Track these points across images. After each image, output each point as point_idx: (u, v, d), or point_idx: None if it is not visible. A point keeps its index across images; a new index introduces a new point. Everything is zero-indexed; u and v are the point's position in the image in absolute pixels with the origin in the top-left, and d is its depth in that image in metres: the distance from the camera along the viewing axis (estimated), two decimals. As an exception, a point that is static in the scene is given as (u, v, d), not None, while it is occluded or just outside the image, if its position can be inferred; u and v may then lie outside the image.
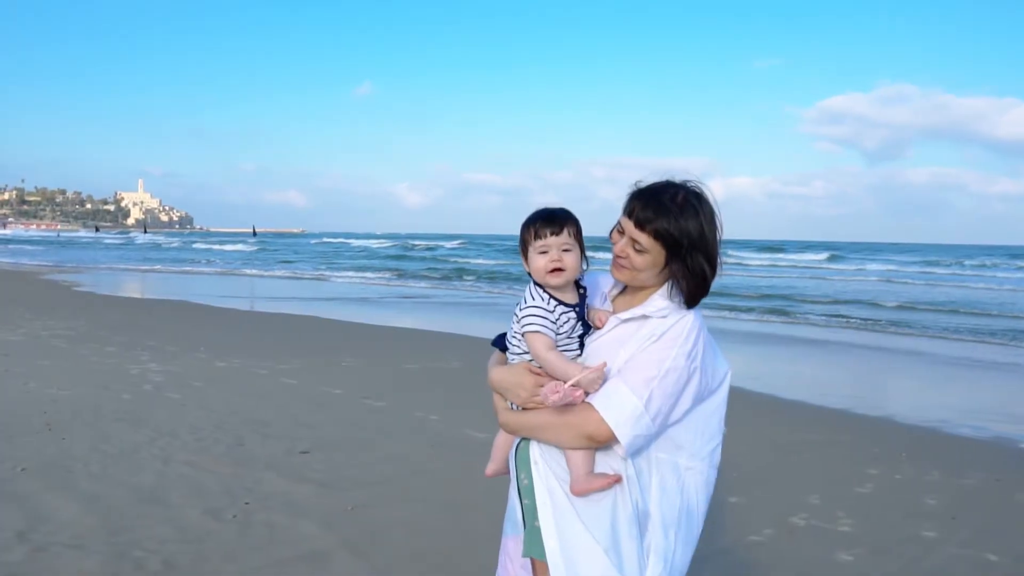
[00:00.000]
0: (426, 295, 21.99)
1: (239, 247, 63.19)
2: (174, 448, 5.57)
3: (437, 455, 5.64)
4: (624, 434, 1.82)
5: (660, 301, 1.93)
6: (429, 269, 34.86)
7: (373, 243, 68.92)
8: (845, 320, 16.50)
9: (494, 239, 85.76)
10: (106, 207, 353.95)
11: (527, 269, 1.99)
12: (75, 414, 6.40)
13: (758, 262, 41.26)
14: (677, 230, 1.86)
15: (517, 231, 2.02)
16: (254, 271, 33.63)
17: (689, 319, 1.91)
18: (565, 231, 1.94)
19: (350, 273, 32.26)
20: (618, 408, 1.82)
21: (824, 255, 50.09)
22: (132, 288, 23.40)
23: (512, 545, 2.07)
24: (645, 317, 1.93)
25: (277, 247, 66.55)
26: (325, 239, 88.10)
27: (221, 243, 71.41)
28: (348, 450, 5.69)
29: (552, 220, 1.96)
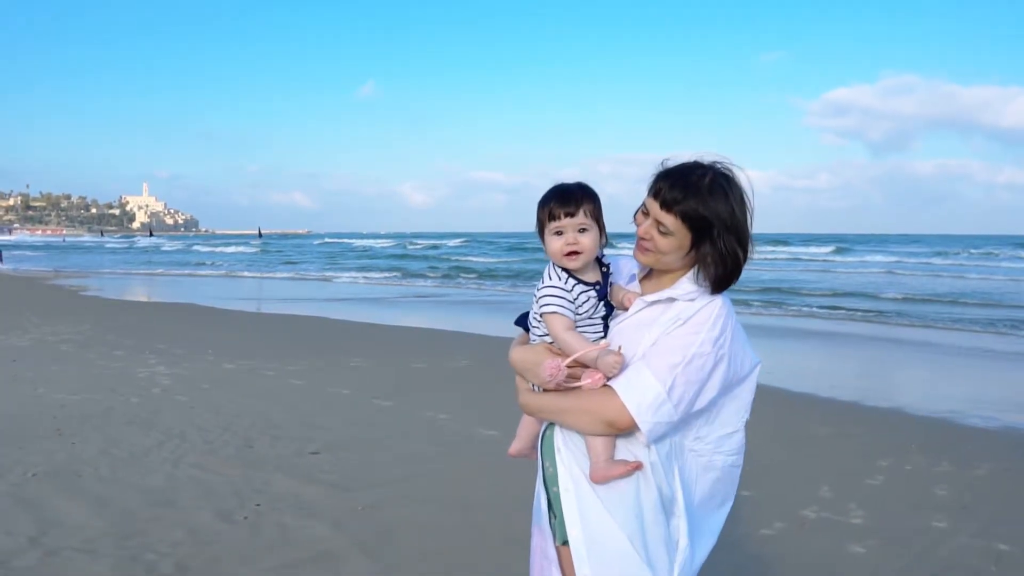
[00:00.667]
0: (430, 294, 22.00)
1: (241, 249, 63.28)
2: (184, 451, 5.59)
3: (446, 454, 5.64)
4: (645, 421, 1.77)
5: (688, 284, 1.87)
6: (430, 268, 34.89)
7: (377, 243, 68.89)
8: (845, 312, 16.46)
9: (498, 237, 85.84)
10: (111, 211, 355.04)
11: (545, 250, 1.92)
12: (84, 418, 6.42)
13: (762, 255, 41.19)
14: (706, 211, 1.78)
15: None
16: (259, 273, 33.71)
17: (717, 303, 1.85)
18: (581, 211, 1.86)
19: (353, 273, 32.33)
20: (640, 394, 1.77)
21: (830, 248, 49.94)
22: (137, 292, 23.45)
23: (537, 536, 2.04)
24: (672, 300, 1.87)
25: (280, 248, 66.68)
26: (329, 239, 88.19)
27: (225, 245, 71.58)
28: (357, 450, 5.70)
29: (567, 200, 1.86)
